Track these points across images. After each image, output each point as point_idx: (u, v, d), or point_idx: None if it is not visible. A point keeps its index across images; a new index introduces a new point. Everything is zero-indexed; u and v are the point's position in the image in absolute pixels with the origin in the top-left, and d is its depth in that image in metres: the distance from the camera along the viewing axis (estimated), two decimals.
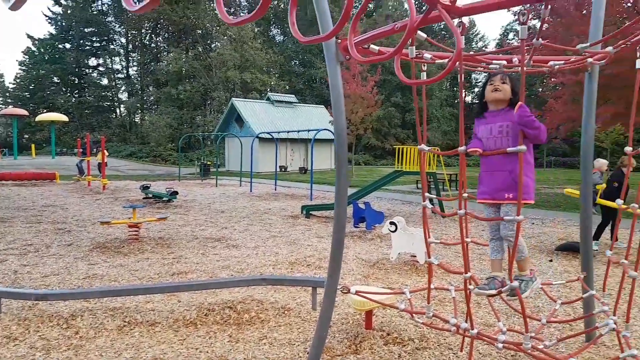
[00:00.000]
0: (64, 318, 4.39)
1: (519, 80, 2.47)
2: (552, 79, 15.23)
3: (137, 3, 1.33)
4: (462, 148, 2.35)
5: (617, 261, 2.51)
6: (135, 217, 8.21)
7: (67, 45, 57.96)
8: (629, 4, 12.49)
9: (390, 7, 59.21)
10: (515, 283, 2.32)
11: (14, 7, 1.15)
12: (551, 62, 2.73)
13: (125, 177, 25.35)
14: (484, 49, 59.27)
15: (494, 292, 2.50)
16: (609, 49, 2.62)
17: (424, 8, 2.05)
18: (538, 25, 15.02)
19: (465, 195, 2.80)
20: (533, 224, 10.70)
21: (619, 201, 2.60)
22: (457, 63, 2.08)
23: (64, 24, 56.98)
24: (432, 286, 2.96)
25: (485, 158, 2.65)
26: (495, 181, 2.64)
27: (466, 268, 2.46)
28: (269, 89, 48.92)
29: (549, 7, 2.06)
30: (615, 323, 2.49)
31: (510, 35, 54.27)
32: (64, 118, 40.17)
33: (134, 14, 52.60)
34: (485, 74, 2.98)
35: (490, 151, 2.55)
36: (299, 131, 21.09)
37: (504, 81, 2.65)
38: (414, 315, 3.04)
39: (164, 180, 23.46)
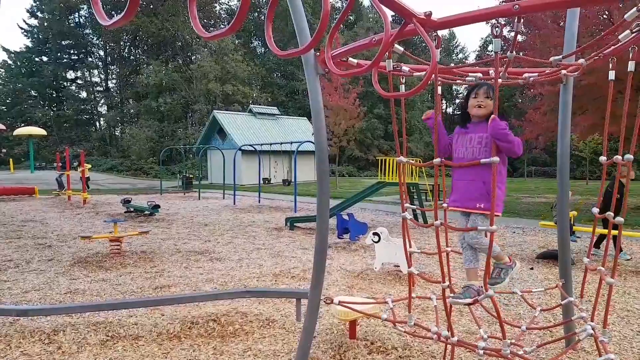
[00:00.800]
0: (46, 333, 4.32)
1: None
2: (531, 90, 15.53)
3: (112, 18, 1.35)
4: (437, 160, 2.40)
5: (594, 268, 2.58)
6: (116, 232, 8.10)
7: (45, 58, 57.07)
8: (604, 16, 12.85)
9: (370, 19, 59.93)
10: (491, 292, 2.36)
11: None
12: (525, 74, 2.80)
13: (106, 191, 25.00)
14: (464, 60, 60.32)
15: (469, 300, 2.54)
16: (581, 60, 2.70)
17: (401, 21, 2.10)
18: (521, 38, 15.37)
19: (445, 205, 2.86)
20: (514, 232, 10.84)
21: (595, 209, 2.67)
22: (433, 76, 2.14)
23: (40, 36, 56.12)
24: (414, 295, 3.00)
25: (460, 167, 2.69)
26: (468, 190, 2.66)
27: (443, 277, 2.50)
28: (250, 101, 48.91)
29: (522, 20, 2.13)
30: (593, 329, 2.54)
31: (490, 47, 55.29)
32: (42, 132, 39.49)
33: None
34: (466, 86, 3.03)
35: (468, 161, 2.59)
36: (281, 143, 21.09)
37: (487, 95, 2.64)
38: (396, 324, 3.06)
39: (145, 194, 23.20)
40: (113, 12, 51.31)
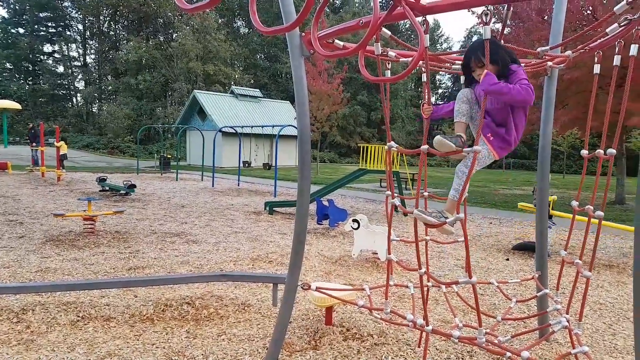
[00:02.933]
0: (14, 312, 4.21)
1: (501, 48, 2.47)
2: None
3: None
4: (424, 147, 2.37)
5: (570, 261, 2.59)
6: (90, 210, 7.92)
7: (21, 30, 55.27)
8: (588, 11, 12.95)
9: (357, 4, 59.55)
10: (459, 215, 2.30)
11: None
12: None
13: (82, 169, 24.50)
14: (448, 50, 60.53)
15: (434, 221, 2.47)
16: (568, 52, 2.69)
17: (390, 4, 2.04)
18: (500, 28, 15.44)
19: (425, 194, 2.84)
20: (491, 223, 10.99)
21: (574, 202, 2.67)
22: (421, 62, 2.09)
23: (17, 7, 54.28)
24: (391, 283, 2.98)
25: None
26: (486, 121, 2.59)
27: (419, 264, 2.48)
28: (233, 82, 48.32)
29: (511, 8, 2.09)
30: (567, 321, 2.57)
31: (474, 38, 55.53)
32: (17, 106, 38.13)
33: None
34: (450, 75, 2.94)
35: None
36: (263, 126, 20.91)
37: (480, 64, 2.50)
38: (372, 311, 3.05)
39: (122, 173, 22.82)
40: None
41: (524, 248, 7.70)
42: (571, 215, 2.72)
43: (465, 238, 2.27)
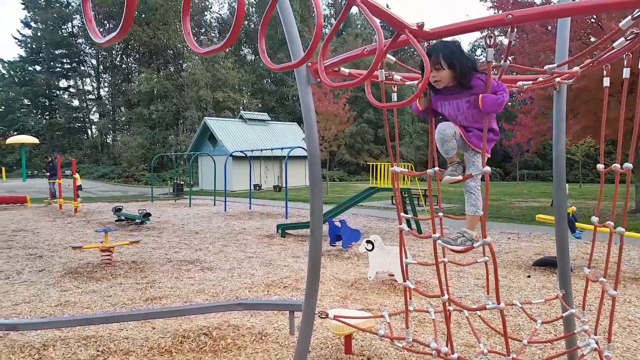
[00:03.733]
0: (36, 348, 4.21)
1: (455, 53, 2.28)
2: (521, 94, 15.57)
3: (105, 35, 1.28)
4: (430, 170, 2.34)
5: (595, 279, 2.51)
6: (107, 241, 7.98)
7: (38, 68, 57.05)
8: (592, 19, 12.92)
9: (358, 26, 60.14)
10: (488, 238, 2.20)
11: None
12: (520, 83, 2.75)
13: (98, 199, 24.77)
14: None
15: (460, 248, 2.39)
16: (576, 68, 2.66)
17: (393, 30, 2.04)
18: (505, 41, 15.43)
19: (440, 214, 2.79)
20: (509, 238, 10.81)
21: (594, 218, 2.61)
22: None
23: (34, 46, 56.16)
24: (411, 308, 2.92)
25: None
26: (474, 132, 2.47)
27: (442, 290, 2.43)
28: (241, 107, 48.88)
29: (515, 29, 2.08)
30: (596, 342, 2.48)
31: (478, 52, 55.56)
32: (35, 140, 39.14)
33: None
34: None
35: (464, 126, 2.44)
36: (272, 149, 21.01)
37: (437, 66, 2.31)
38: (394, 341, 2.98)
39: (136, 201, 23.01)
40: (105, 22, 51.28)
41: (545, 263, 7.53)
42: (593, 227, 2.65)
43: (494, 261, 2.20)
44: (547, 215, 7.47)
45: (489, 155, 2.49)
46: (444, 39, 2.30)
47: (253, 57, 62.45)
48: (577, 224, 7.42)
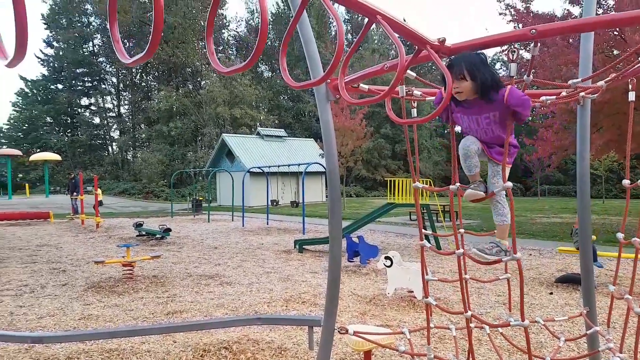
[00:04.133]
0: None
1: (478, 64, 2.22)
2: (542, 108, 15.39)
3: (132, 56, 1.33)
4: (453, 187, 2.33)
5: (620, 297, 2.47)
6: (129, 256, 8.09)
7: (59, 86, 58.55)
8: (615, 32, 12.79)
9: (375, 41, 60.43)
10: (518, 255, 2.18)
11: (11, 65, 1.14)
12: (543, 97, 2.74)
13: (119, 215, 25.12)
14: None
15: (493, 258, 2.38)
16: (601, 83, 2.64)
17: (411, 44, 2.07)
18: (527, 56, 15.35)
19: (461, 230, 2.78)
20: (531, 255, 10.63)
21: (620, 235, 2.57)
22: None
23: (56, 65, 57.67)
24: (431, 325, 2.89)
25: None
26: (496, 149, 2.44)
27: (465, 307, 2.41)
28: (258, 124, 49.33)
29: (538, 44, 2.08)
30: None
31: (497, 65, 55.30)
32: (57, 157, 40.22)
33: None
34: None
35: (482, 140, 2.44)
36: (289, 165, 21.14)
37: (460, 77, 2.24)
38: (414, 357, 2.96)
39: (156, 217, 23.26)
40: (125, 41, 52.53)
41: (568, 280, 7.38)
42: (616, 254, 2.60)
43: (520, 278, 2.19)
44: (569, 247, 7.37)
45: (510, 165, 2.48)
46: (464, 52, 2.29)
47: (270, 74, 63.18)
48: (601, 253, 7.30)
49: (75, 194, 20.97)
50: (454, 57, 2.27)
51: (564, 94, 2.75)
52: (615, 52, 12.99)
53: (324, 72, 1.94)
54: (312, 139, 41.90)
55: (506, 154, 2.25)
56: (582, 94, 2.71)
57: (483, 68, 2.23)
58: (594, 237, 7.43)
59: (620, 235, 2.55)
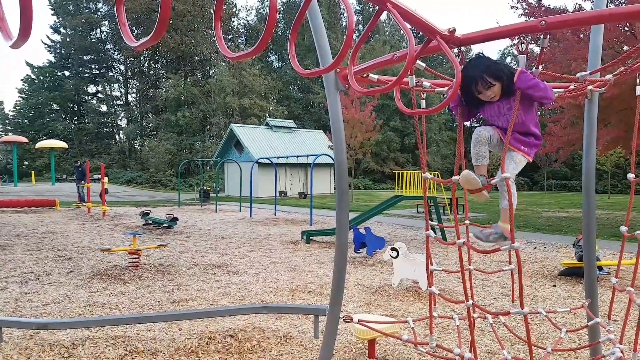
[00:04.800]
0: (65, 347, 4.35)
1: (493, 66, 2.30)
2: (551, 103, 15.25)
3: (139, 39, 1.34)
4: (455, 177, 2.35)
5: (622, 289, 2.49)
6: (135, 244, 8.16)
7: (67, 73, 58.44)
8: (625, 28, 12.66)
9: (386, 33, 60.07)
10: (517, 244, 2.22)
11: (16, 46, 1.15)
12: None
13: (125, 204, 25.29)
14: None
15: (490, 245, 2.42)
16: (609, 76, 2.64)
17: (421, 36, 2.08)
18: (537, 50, 15.21)
19: (467, 222, 2.80)
20: (535, 248, 10.64)
21: (623, 228, 2.58)
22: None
23: (63, 51, 57.55)
24: (435, 314, 2.93)
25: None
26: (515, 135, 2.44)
27: (467, 296, 2.44)
28: (267, 114, 49.29)
29: (548, 36, 2.09)
30: (621, 352, 2.45)
31: (508, 59, 54.84)
32: (64, 145, 40.37)
33: None
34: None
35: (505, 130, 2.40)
36: (298, 156, 21.17)
37: (488, 86, 2.33)
38: (417, 345, 3.00)
39: (163, 206, 23.41)
40: (134, 28, 52.52)
41: (571, 273, 7.40)
42: (616, 262, 2.62)
43: (519, 267, 2.22)
44: (573, 261, 7.36)
45: (530, 159, 2.49)
46: (471, 60, 2.36)
47: (280, 64, 62.97)
48: (603, 262, 7.27)
49: (82, 182, 21.13)
50: (469, 75, 2.32)
51: (572, 87, 2.75)
52: (625, 47, 12.86)
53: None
54: (321, 131, 41.88)
55: (510, 132, 2.25)
56: (589, 87, 2.71)
57: (497, 66, 2.31)
58: (597, 247, 7.39)
59: (623, 229, 2.57)
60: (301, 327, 4.96)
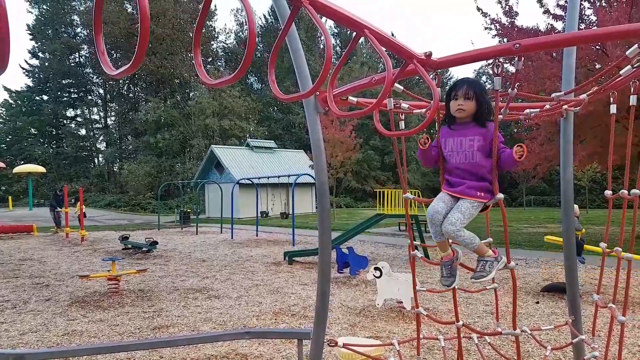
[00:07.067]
0: None
1: (485, 92, 2.42)
2: (527, 121, 15.60)
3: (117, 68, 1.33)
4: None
5: (604, 305, 2.51)
6: (114, 270, 7.99)
7: (45, 97, 57.71)
8: (597, 47, 13.06)
9: (364, 54, 60.94)
10: (504, 261, 2.27)
11: None
12: (527, 110, 2.80)
13: (104, 228, 24.80)
14: None
15: (492, 275, 2.51)
16: (583, 96, 2.70)
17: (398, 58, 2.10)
18: (511, 69, 15.58)
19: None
20: (517, 264, 10.69)
21: (603, 244, 2.61)
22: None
23: (41, 76, 56.91)
24: (420, 335, 2.90)
25: (452, 166, 2.52)
26: (469, 185, 2.47)
27: (457, 316, 2.43)
28: (248, 135, 49.28)
29: (522, 58, 2.13)
30: None
31: (484, 78, 55.90)
32: (42, 169, 39.56)
33: None
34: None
35: (464, 166, 2.46)
36: (279, 176, 21.13)
37: (467, 96, 2.39)
38: None
39: (143, 230, 23.02)
40: (113, 52, 52.34)
41: (554, 289, 7.46)
42: (601, 251, 2.65)
43: (514, 287, 2.23)
44: (556, 237, 7.41)
45: (486, 201, 2.47)
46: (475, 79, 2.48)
47: (260, 86, 63.23)
48: (586, 246, 7.34)
49: (59, 208, 20.66)
50: (464, 78, 2.47)
51: (547, 107, 2.81)
52: (597, 65, 13.27)
53: (313, 84, 1.96)
54: (302, 151, 41.96)
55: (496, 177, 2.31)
56: (565, 107, 2.77)
57: (486, 96, 2.42)
58: (583, 231, 7.45)
59: (603, 245, 2.60)
60: (285, 352, 4.88)
